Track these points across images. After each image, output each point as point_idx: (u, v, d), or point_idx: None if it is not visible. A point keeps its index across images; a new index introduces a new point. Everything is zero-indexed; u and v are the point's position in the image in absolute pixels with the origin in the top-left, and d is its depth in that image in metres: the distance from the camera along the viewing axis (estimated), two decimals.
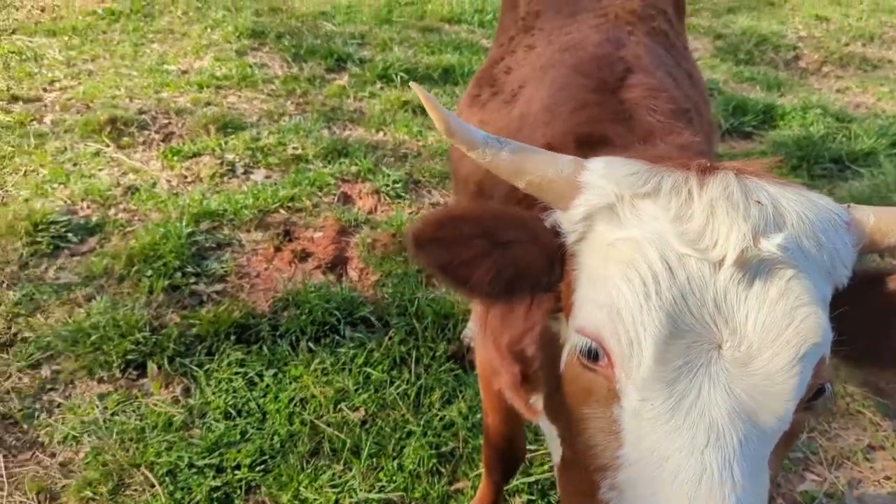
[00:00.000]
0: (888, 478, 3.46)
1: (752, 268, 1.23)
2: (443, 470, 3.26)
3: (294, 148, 5.63)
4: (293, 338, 3.79)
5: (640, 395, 1.23)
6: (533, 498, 3.18)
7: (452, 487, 3.21)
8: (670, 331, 1.20)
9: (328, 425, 3.34)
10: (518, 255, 1.47)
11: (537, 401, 2.07)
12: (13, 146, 5.37)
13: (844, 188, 5.46)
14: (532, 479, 3.22)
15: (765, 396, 1.20)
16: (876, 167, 5.75)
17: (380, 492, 3.07)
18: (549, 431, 1.62)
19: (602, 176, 1.40)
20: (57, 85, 6.42)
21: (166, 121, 5.92)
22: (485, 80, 2.82)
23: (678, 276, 1.23)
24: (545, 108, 2.18)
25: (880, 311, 1.39)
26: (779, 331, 1.20)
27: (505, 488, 3.14)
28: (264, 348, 3.71)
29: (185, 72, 6.85)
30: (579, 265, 1.41)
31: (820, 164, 5.82)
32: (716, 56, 8.47)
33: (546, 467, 3.22)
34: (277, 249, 4.46)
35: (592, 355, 1.31)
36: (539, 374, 1.88)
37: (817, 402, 1.29)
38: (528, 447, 3.28)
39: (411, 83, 1.57)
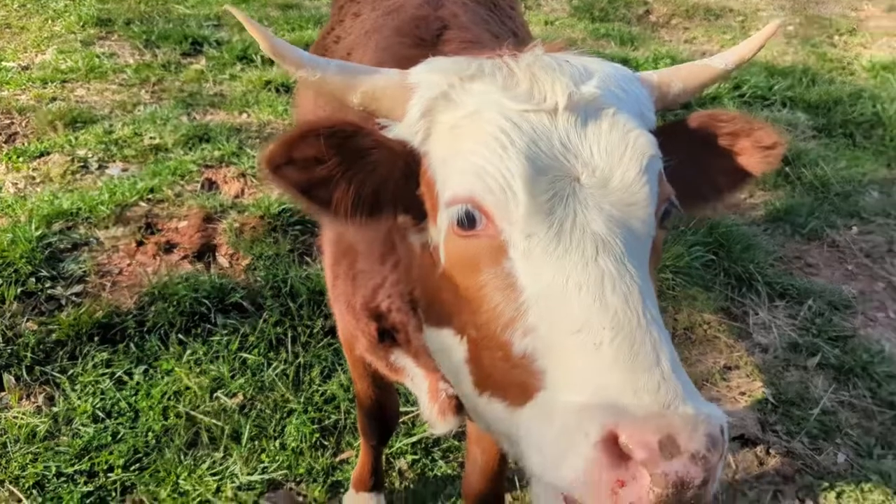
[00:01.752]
0: (743, 393, 3.74)
1: (581, 110, 1.40)
2: (326, 443, 3.27)
3: (151, 138, 5.40)
4: (162, 331, 3.68)
5: (526, 232, 1.32)
6: (417, 457, 3.24)
7: (337, 458, 3.22)
8: (533, 169, 1.33)
9: (205, 415, 3.28)
10: (374, 168, 1.50)
11: (398, 358, 2.10)
12: None
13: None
14: (414, 438, 3.29)
15: (629, 206, 1.36)
16: (720, 105, 6.17)
17: (263, 473, 3.05)
18: (438, 345, 1.61)
19: (429, 72, 1.50)
20: None
21: (8, 121, 5.54)
22: (318, 51, 2.81)
23: (524, 128, 1.37)
24: None
25: (690, 152, 1.58)
26: (621, 152, 1.38)
27: (388, 451, 3.19)
28: (131, 346, 3.58)
29: (25, 67, 6.42)
30: (433, 159, 1.48)
31: (671, 110, 6.13)
32: (573, 16, 8.72)
33: (425, 426, 3.29)
34: (140, 244, 4.29)
35: (469, 222, 1.38)
36: (401, 324, 1.90)
37: (668, 220, 1.49)
38: (406, 409, 3.34)
39: (227, 6, 1.58)
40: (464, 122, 1.42)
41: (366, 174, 1.49)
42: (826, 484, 3.32)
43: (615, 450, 1.11)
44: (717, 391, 3.68)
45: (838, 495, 3.27)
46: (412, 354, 2.01)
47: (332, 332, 3.75)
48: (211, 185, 4.99)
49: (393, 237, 1.83)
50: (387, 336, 2.02)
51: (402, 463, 3.23)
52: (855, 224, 5.16)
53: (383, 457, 3.01)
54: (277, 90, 6.28)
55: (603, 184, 1.35)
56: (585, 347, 1.21)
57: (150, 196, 4.70)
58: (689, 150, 1.59)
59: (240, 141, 5.45)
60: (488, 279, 1.37)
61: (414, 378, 2.14)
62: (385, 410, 2.77)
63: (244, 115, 5.93)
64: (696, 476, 1.08)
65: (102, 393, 3.33)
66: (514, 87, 1.42)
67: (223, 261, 4.29)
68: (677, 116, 1.85)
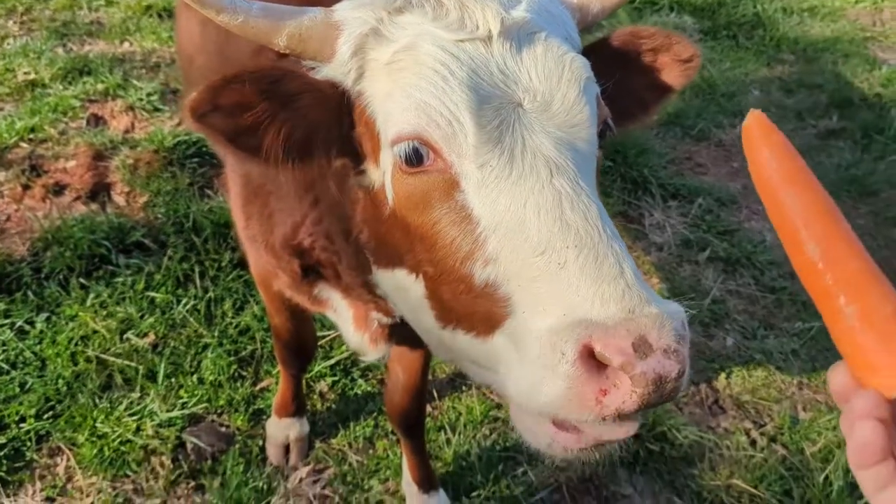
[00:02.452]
0: None
1: (515, 36, 1.39)
2: (245, 373, 3.30)
3: (25, 73, 5.05)
4: (61, 277, 3.55)
5: (478, 162, 1.32)
6: (336, 378, 3.32)
7: (257, 387, 3.27)
8: (478, 98, 1.32)
9: (117, 357, 3.24)
10: (304, 112, 1.46)
11: (321, 290, 2.11)
12: None
13: (588, 39, 5.85)
14: (332, 361, 3.36)
15: (573, 128, 1.38)
16: (614, 19, 6.21)
17: (182, 408, 3.07)
18: (393, 286, 1.60)
19: (354, 8, 1.45)
20: None
21: None
22: None
23: (462, 58, 1.35)
24: None
25: (615, 70, 1.58)
26: (559, 75, 1.39)
27: (307, 375, 3.25)
28: (29, 294, 3.45)
29: None
30: (370, 98, 1.44)
31: (589, 31, 6.18)
32: None
33: (343, 348, 3.36)
34: (26, 187, 4.07)
35: (417, 158, 1.36)
36: (327, 261, 1.90)
37: (605, 137, 1.51)
38: (322, 333, 3.40)
39: None
40: (399, 58, 1.39)
41: (296, 119, 1.45)
42: (717, 366, 3.62)
43: (592, 362, 1.14)
44: None
45: (728, 375, 3.58)
46: (341, 289, 2.00)
47: (241, 264, 3.72)
48: (98, 120, 4.74)
49: (312, 174, 1.78)
50: (311, 272, 2.01)
51: (322, 385, 3.30)
52: (738, 123, 5.43)
53: (303, 382, 3.07)
54: (160, 15, 5.94)
55: (545, 107, 1.36)
56: (550, 268, 1.22)
57: (31, 136, 4.43)
58: (613, 68, 1.59)
59: (124, 72, 5.17)
60: (442, 214, 1.36)
61: (337, 309, 2.14)
62: (303, 341, 2.80)
63: (126, 44, 5.60)
64: (672, 369, 1.12)
65: (4, 344, 3.23)
66: (445, 17, 1.39)
67: (119, 199, 4.14)
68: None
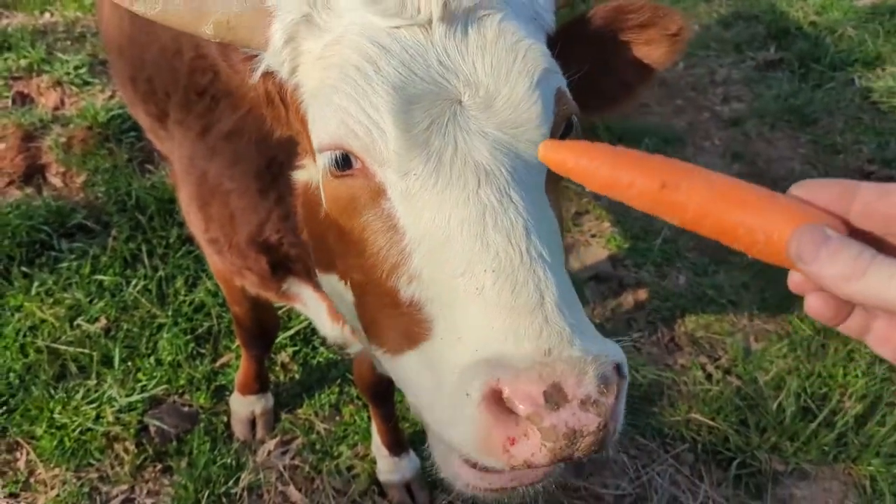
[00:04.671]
0: (594, 235, 4.03)
1: (461, 20, 1.23)
2: (203, 350, 3.26)
3: None
4: (1, 267, 3.43)
5: (401, 171, 1.19)
6: (297, 348, 3.31)
7: (217, 364, 3.24)
8: (403, 99, 1.18)
9: (69, 345, 3.16)
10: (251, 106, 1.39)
11: (291, 285, 2.04)
12: None
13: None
14: (292, 331, 3.34)
15: (517, 128, 1.21)
16: None
17: (142, 392, 3.02)
18: (330, 290, 1.53)
19: None
20: None
21: None
22: None
23: (393, 50, 1.21)
24: None
25: (595, 50, 1.45)
26: (508, 66, 1.22)
27: None
28: None
29: None
30: (304, 95, 1.34)
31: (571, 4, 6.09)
32: None
33: (302, 318, 3.34)
34: None
35: (345, 163, 1.25)
36: (296, 256, 1.84)
37: (570, 136, 1.33)
38: (278, 304, 3.36)
39: None
40: (329, 52, 1.26)
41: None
42: (671, 304, 3.70)
43: (502, 406, 1.03)
44: (572, 236, 3.93)
45: (682, 313, 3.66)
46: (313, 284, 1.92)
47: (189, 240, 3.63)
48: (24, 98, 4.53)
49: (272, 169, 1.71)
50: (280, 268, 1.95)
51: (283, 356, 3.29)
52: (679, 60, 5.45)
53: (265, 361, 3.04)
54: None
55: (487, 104, 1.20)
56: (468, 293, 1.11)
57: None
58: (594, 48, 1.45)
59: (47, 45, 4.93)
60: (369, 221, 1.25)
61: (308, 303, 2.07)
62: (266, 326, 2.75)
63: (47, 15, 5.34)
64: (590, 423, 1.00)
65: None
66: (380, 2, 1.23)
67: (55, 181, 3.99)
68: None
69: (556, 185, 1.31)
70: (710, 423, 3.16)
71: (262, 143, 1.69)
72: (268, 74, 1.37)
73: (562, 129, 1.31)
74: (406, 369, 1.24)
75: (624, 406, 1.08)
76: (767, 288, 3.80)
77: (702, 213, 0.94)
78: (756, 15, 6.18)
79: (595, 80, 1.40)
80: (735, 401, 3.25)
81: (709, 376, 3.38)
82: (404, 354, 1.22)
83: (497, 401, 1.02)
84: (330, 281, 1.48)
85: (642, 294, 3.75)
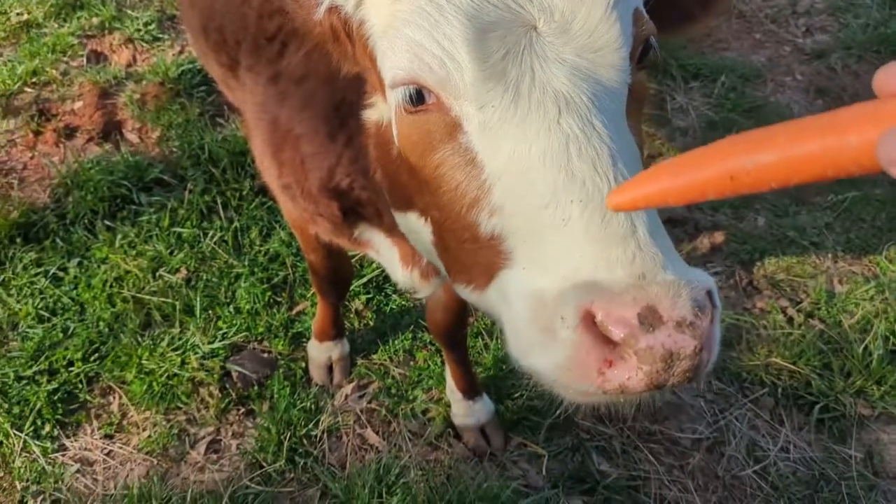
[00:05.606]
0: None
1: None
2: (280, 299, 3.33)
3: (18, 14, 4.90)
4: (86, 221, 3.56)
5: (478, 103, 1.17)
6: (370, 296, 3.35)
7: (294, 311, 3.31)
8: (477, 28, 1.15)
9: (153, 295, 3.28)
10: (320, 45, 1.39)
11: (362, 232, 2.05)
12: None
13: None
14: (365, 279, 3.38)
15: (596, 52, 1.18)
16: None
17: (223, 339, 3.12)
18: (407, 229, 1.53)
19: None
20: None
21: None
22: None
23: None
24: None
25: None
26: None
27: None
28: (58, 240, 3.47)
29: None
30: (371, 31, 1.32)
31: None
32: None
33: (374, 266, 3.37)
34: (37, 133, 4.04)
35: (419, 99, 1.23)
36: (368, 200, 1.84)
37: (648, 57, 1.31)
38: (351, 253, 3.40)
39: None
40: None
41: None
42: (749, 247, 3.58)
43: (598, 330, 1.02)
44: None
45: (761, 256, 3.54)
46: (384, 229, 1.93)
47: (262, 191, 3.69)
48: (98, 57, 4.63)
49: (341, 111, 1.71)
50: (351, 213, 1.95)
51: (357, 304, 3.33)
52: None
53: (341, 309, 3.08)
54: None
55: (564, 29, 1.16)
56: (554, 224, 1.09)
57: (34, 80, 4.36)
58: None
59: (117, 2, 5.00)
60: (446, 157, 1.23)
61: (380, 249, 2.08)
62: (341, 273, 2.77)
63: None
64: (686, 345, 0.98)
65: (41, 292, 3.28)
66: None
67: (132, 137, 4.09)
68: None
69: (635, 111, 1.27)
70: (791, 367, 3.08)
71: (330, 84, 1.69)
72: (333, 9, 1.36)
73: (639, 51, 1.26)
74: (491, 302, 1.23)
75: (719, 335, 1.05)
76: (853, 228, 3.63)
77: (784, 177, 0.85)
78: None
79: (661, 8, 1.34)
80: (818, 344, 3.15)
81: (790, 320, 3.28)
82: (488, 288, 1.22)
83: (591, 324, 1.01)
84: (408, 220, 1.48)
85: (718, 237, 3.64)
